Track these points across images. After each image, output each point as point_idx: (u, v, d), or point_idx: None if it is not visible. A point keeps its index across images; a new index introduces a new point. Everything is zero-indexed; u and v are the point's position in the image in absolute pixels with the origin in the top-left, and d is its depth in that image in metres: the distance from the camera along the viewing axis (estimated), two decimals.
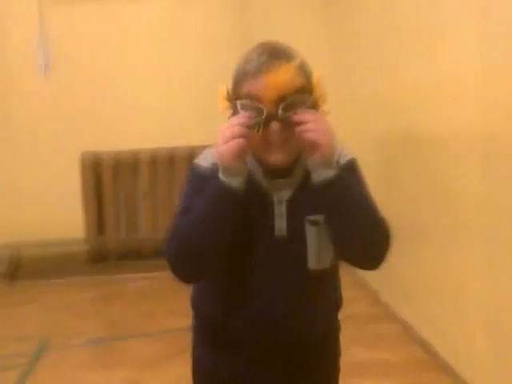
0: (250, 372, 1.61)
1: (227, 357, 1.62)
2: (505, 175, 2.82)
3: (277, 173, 1.52)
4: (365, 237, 1.47)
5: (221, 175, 1.42)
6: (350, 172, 1.53)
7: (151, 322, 4.80)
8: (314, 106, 1.45)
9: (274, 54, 1.44)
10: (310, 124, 1.39)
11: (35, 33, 5.92)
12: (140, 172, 6.21)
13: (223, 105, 1.49)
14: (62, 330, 4.68)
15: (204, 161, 1.57)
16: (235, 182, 1.42)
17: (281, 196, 1.52)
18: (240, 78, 1.46)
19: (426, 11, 3.69)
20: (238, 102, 1.44)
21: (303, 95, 1.43)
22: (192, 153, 6.11)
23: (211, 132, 5.81)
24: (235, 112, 1.45)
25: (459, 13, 3.23)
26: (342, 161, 1.54)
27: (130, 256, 6.22)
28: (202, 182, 1.50)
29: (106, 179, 6.18)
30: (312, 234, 1.51)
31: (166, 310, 5.02)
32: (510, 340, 2.88)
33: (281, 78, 1.39)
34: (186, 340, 4.45)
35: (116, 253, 6.25)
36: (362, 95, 5.06)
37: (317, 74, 1.48)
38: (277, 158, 1.47)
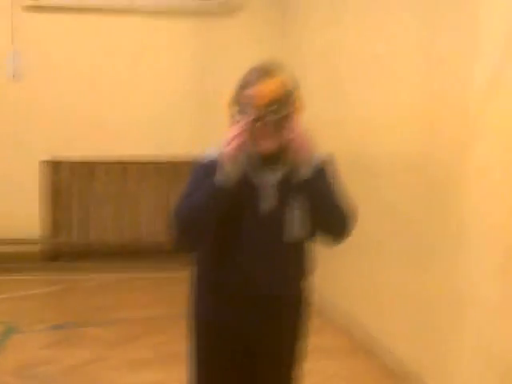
0: (239, 317, 2.12)
1: (222, 306, 2.12)
2: (441, 198, 3.50)
3: (268, 162, 2.07)
4: (333, 218, 2.09)
5: (218, 173, 1.98)
6: (326, 168, 2.13)
7: (105, 313, 5.27)
8: (294, 112, 2.01)
9: (266, 71, 2.03)
10: (296, 132, 1.99)
11: (6, 40, 6.33)
12: (94, 179, 6.71)
13: (229, 108, 2.06)
14: (24, 317, 5.10)
15: (205, 157, 2.10)
16: (229, 179, 1.99)
17: (271, 180, 2.08)
18: (241, 88, 2.04)
19: (375, 44, 4.36)
20: (241, 103, 2.02)
21: (286, 102, 2.00)
22: (144, 163, 6.70)
23: (161, 145, 6.35)
24: (240, 111, 2.02)
25: (405, 46, 3.93)
26: (320, 158, 2.11)
27: (82, 257, 6.70)
28: (203, 172, 2.06)
29: (63, 185, 6.65)
30: (292, 212, 2.07)
31: (116, 304, 5.54)
32: (435, 322, 3.59)
33: (270, 88, 1.98)
34: (138, 328, 4.91)
35: (68, 253, 6.71)
36: (313, 118, 5.64)
37: (298, 90, 2.07)
38: (266, 145, 2.04)
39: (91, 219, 6.73)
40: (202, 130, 6.62)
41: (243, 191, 2.05)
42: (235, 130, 2.00)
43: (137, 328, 4.85)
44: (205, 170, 2.06)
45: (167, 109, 6.71)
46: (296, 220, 2.09)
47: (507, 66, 2.90)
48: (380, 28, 4.31)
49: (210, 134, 6.50)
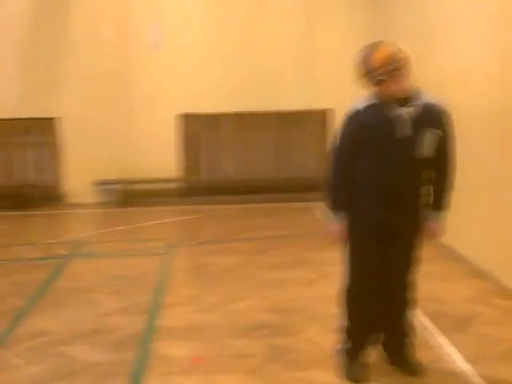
0: (386, 210, 3.13)
1: (375, 202, 3.12)
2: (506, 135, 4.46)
3: (400, 103, 3.04)
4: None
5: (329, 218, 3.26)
6: (449, 121, 3.13)
7: (240, 232, 6.73)
8: (407, 72, 3.00)
9: (380, 42, 3.05)
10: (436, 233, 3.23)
11: (148, 16, 7.81)
12: (218, 129, 8.24)
13: (362, 76, 3.07)
14: (178, 236, 6.66)
15: (352, 110, 3.12)
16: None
17: (405, 114, 3.04)
18: (365, 58, 3.04)
19: (454, 16, 5.38)
20: (369, 67, 3.01)
21: (402, 63, 2.98)
22: (256, 117, 8.17)
23: (271, 100, 8.03)
24: (367, 75, 3.04)
25: (477, 13, 4.90)
26: (441, 108, 3.12)
27: (209, 193, 8.29)
28: (352, 124, 3.11)
29: (194, 134, 8.21)
30: (425, 138, 3.06)
31: (247, 226, 7.01)
32: (504, 233, 4.60)
33: (388, 52, 2.97)
34: (271, 243, 6.42)
35: (198, 190, 8.30)
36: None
37: (408, 57, 3.01)
38: (398, 89, 3.02)
39: (216, 162, 8.29)
40: (303, 87, 8.05)
41: (384, 124, 3.04)
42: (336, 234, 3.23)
43: (269, 243, 6.25)
44: (353, 121, 3.11)
45: (276, 70, 8.13)
46: (425, 143, 3.06)
47: None
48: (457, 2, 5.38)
49: (312, 91, 7.90)
